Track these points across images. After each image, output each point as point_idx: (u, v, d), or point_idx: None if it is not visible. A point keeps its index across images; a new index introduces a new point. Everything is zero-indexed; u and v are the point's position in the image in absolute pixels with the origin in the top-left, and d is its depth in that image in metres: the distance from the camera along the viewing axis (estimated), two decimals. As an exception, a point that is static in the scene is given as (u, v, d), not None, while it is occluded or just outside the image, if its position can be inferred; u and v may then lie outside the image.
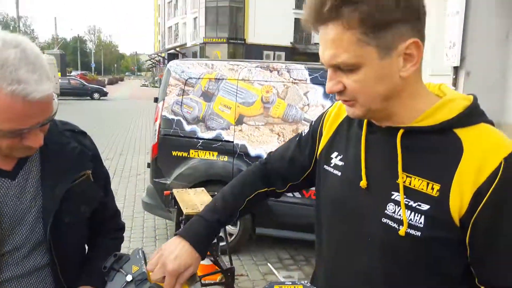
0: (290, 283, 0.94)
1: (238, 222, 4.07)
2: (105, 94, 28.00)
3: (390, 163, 0.86)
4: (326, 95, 3.95)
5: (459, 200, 0.78)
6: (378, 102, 0.84)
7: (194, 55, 41.06)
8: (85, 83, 29.18)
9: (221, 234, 3.38)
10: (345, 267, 0.95)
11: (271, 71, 4.07)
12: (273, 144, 3.98)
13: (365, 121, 0.94)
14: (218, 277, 3.28)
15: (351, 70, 0.80)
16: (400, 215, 0.83)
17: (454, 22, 12.57)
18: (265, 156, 3.72)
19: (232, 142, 4.03)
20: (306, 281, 0.94)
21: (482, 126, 0.84)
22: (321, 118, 1.11)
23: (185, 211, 2.98)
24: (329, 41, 0.80)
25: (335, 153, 1.01)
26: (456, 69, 13.07)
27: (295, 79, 4.01)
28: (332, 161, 1.01)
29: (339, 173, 0.98)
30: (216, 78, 4.12)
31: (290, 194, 3.93)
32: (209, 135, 4.09)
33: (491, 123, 0.86)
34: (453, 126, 0.83)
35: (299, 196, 3.91)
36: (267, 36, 35.95)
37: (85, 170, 1.14)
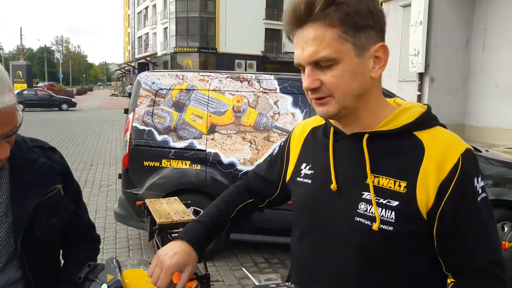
0: (275, 285, 0.94)
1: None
2: (73, 104, 27.39)
3: (358, 166, 0.93)
4: (295, 104, 4.07)
5: (425, 195, 0.87)
6: (351, 99, 0.90)
7: (165, 64, 40.75)
8: (52, 94, 28.45)
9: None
10: (321, 269, 0.99)
11: (241, 81, 4.16)
12: (245, 152, 4.05)
13: (332, 129, 1.01)
14: (193, 284, 3.30)
15: (329, 66, 0.87)
16: (372, 212, 0.89)
17: (418, 31, 13.04)
18: (238, 164, 3.83)
19: (205, 150, 4.08)
20: (289, 283, 0.94)
21: (438, 128, 0.94)
22: (287, 139, 1.20)
23: (158, 220, 3.00)
24: (310, 39, 0.86)
25: (304, 164, 1.08)
26: (421, 75, 13.50)
27: (265, 89, 4.12)
28: (302, 172, 1.07)
29: (310, 181, 1.04)
30: (187, 89, 4.17)
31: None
32: (181, 144, 4.12)
33: (444, 126, 0.96)
34: (413, 129, 0.92)
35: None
36: (238, 45, 36.17)
37: (54, 185, 1.16)
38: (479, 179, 0.89)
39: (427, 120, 0.95)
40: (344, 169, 0.97)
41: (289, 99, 4.08)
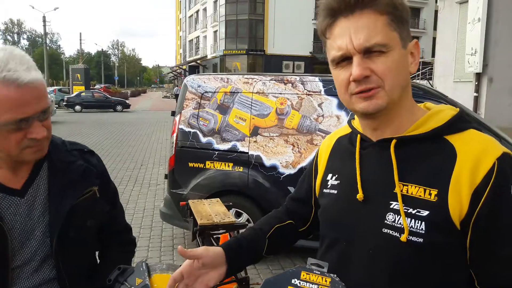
0: (319, 272, 0.90)
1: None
2: (127, 106, 28.62)
3: (386, 174, 0.89)
4: (340, 106, 3.99)
5: (458, 203, 0.81)
6: (398, 92, 0.87)
7: (215, 67, 41.57)
8: (108, 96, 29.89)
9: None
10: (348, 284, 0.93)
11: (285, 84, 4.14)
12: (288, 155, 4.03)
13: (358, 137, 0.98)
14: (233, 287, 3.34)
15: (380, 53, 0.84)
16: (400, 223, 0.85)
17: (475, 29, 12.30)
18: (280, 167, 3.79)
19: (247, 153, 4.10)
20: (335, 275, 0.90)
21: (471, 131, 0.88)
22: (315, 154, 1.17)
23: (199, 221, 3.06)
24: (361, 26, 0.85)
25: (330, 175, 1.04)
26: (478, 76, 12.73)
27: (309, 91, 4.07)
28: (328, 183, 1.04)
29: (336, 191, 1.00)
30: (231, 92, 4.22)
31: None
32: (225, 146, 4.17)
33: (479, 129, 0.90)
34: (444, 133, 0.88)
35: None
36: (286, 46, 36.17)
37: (91, 187, 1.19)
38: None
39: (459, 122, 0.90)
40: (371, 178, 0.93)
41: (334, 101, 4.01)
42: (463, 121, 0.91)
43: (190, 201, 3.54)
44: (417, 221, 0.83)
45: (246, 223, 3.82)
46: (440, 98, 3.78)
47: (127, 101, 30.03)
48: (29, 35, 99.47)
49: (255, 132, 4.12)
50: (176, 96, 46.05)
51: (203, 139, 4.24)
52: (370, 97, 0.87)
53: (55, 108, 19.16)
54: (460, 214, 0.81)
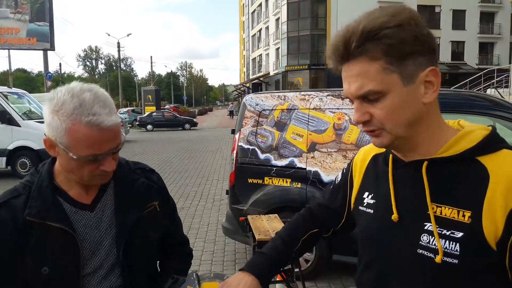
0: None
1: (314, 249, 4.10)
2: (195, 124, 29.89)
3: (419, 195, 0.90)
4: (400, 120, 3.89)
5: (493, 225, 0.81)
6: (404, 129, 0.88)
7: (277, 83, 42.02)
8: (177, 115, 31.45)
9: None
10: None
11: (342, 99, 4.13)
12: (346, 171, 3.98)
13: (390, 157, 0.99)
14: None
15: (377, 98, 0.86)
16: (434, 244, 0.85)
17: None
18: None
19: (305, 169, 4.13)
20: None
21: (505, 152, 0.87)
22: (349, 166, 1.20)
23: (257, 237, 3.13)
24: (355, 75, 0.87)
25: (366, 193, 1.07)
26: None
27: (367, 105, 4.02)
28: (364, 201, 1.06)
29: (372, 211, 1.03)
30: (288, 109, 4.29)
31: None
32: (282, 162, 4.23)
33: None
34: (476, 154, 0.87)
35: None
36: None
37: (152, 201, 1.31)
38: None
39: (492, 143, 0.89)
40: (405, 199, 0.94)
41: (393, 115, 3.91)
42: (495, 141, 0.90)
43: (249, 217, 3.63)
44: (451, 242, 0.84)
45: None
46: (511, 109, 3.55)
47: (194, 120, 31.35)
48: (106, 60, 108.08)
49: (312, 148, 4.14)
50: (231, 112, 47.87)
51: (262, 156, 4.34)
52: (376, 136, 0.91)
53: (128, 128, 20.51)
54: (495, 236, 0.81)
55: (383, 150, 1.08)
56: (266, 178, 4.29)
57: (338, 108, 4.11)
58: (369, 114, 0.88)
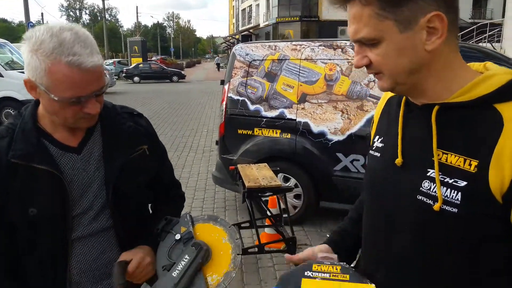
0: (329, 263, 0.97)
1: (302, 196, 4.23)
2: (183, 76, 29.38)
3: (426, 140, 0.85)
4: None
5: (500, 176, 0.76)
6: (403, 76, 0.84)
7: (267, 36, 41.11)
8: (164, 67, 30.79)
9: (283, 206, 3.57)
10: (382, 249, 0.95)
11: (334, 49, 4.09)
12: (337, 121, 4.03)
13: (403, 100, 0.94)
14: (282, 246, 3.50)
15: (373, 44, 0.82)
16: (435, 191, 0.82)
17: None
18: (328, 133, 3.73)
19: (295, 120, 4.16)
20: (344, 263, 0.97)
21: None
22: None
23: (247, 184, 3.21)
24: (351, 18, 0.84)
25: (377, 137, 1.03)
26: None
27: (358, 56, 3.99)
28: (374, 144, 1.03)
29: (379, 154, 0.99)
30: (279, 59, 4.25)
31: (354, 169, 3.99)
32: (272, 113, 4.25)
33: None
34: (493, 100, 0.80)
35: (364, 171, 3.94)
36: (341, 11, 34.71)
37: (140, 145, 1.31)
38: None
39: (510, 89, 0.80)
40: (411, 143, 0.90)
41: (384, 66, 3.91)
42: None
43: (239, 166, 3.70)
44: (453, 190, 0.80)
45: (293, 187, 3.92)
46: (504, 61, 3.57)
47: (182, 72, 30.77)
48: (90, 10, 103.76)
49: (303, 99, 4.15)
50: (217, 65, 47.35)
51: (252, 107, 4.34)
52: (377, 79, 0.88)
53: (114, 79, 20.06)
54: (501, 189, 0.76)
55: None
56: (256, 129, 4.32)
57: (329, 59, 4.08)
58: (368, 59, 0.85)
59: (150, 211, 1.48)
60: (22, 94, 9.58)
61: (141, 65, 29.20)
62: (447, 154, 0.83)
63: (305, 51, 4.17)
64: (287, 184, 4.14)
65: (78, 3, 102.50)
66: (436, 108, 0.85)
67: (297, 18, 37.22)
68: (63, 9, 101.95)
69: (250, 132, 4.35)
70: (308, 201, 4.23)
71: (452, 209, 0.80)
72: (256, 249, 3.32)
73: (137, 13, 55.35)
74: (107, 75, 1.17)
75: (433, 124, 0.85)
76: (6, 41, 11.74)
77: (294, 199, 4.27)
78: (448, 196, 0.80)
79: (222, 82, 4.65)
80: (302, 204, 4.26)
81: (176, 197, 1.53)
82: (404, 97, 0.94)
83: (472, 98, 0.82)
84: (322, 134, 4.08)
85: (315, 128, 4.10)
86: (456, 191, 0.80)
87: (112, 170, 1.23)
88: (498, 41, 16.51)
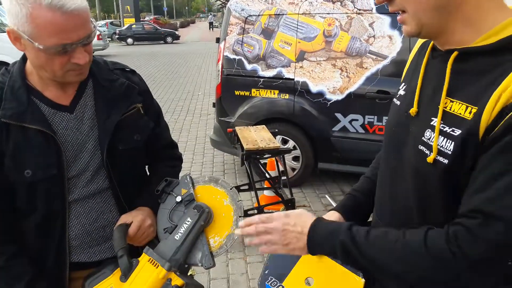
0: None
1: (300, 157, 4.17)
2: (177, 37, 28.68)
3: (439, 88, 0.81)
4: (393, 25, 3.71)
5: (488, 121, 0.71)
6: (429, 14, 0.77)
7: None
8: (158, 27, 29.99)
9: (282, 168, 3.51)
10: (389, 195, 0.95)
11: (333, 3, 3.88)
12: (335, 80, 3.90)
13: (430, 45, 0.89)
14: (281, 207, 3.47)
15: None
16: (433, 141, 0.79)
17: None
18: (326, 93, 3.66)
19: (293, 79, 4.02)
20: None
21: None
22: None
23: (245, 146, 3.13)
24: None
25: (402, 84, 0.98)
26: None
27: (359, 9, 3.80)
28: (398, 92, 0.98)
29: (399, 103, 0.95)
30: (276, 14, 4.04)
31: (353, 130, 3.90)
32: (270, 73, 4.10)
33: None
34: None
35: (363, 131, 3.86)
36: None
37: (134, 104, 1.25)
38: None
39: None
40: (427, 92, 0.85)
41: (386, 20, 3.73)
42: None
43: (236, 128, 3.60)
44: (448, 140, 0.77)
45: (292, 148, 3.85)
46: None
47: (176, 32, 30.00)
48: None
49: (301, 57, 3.98)
50: (210, 23, 46.31)
51: (248, 66, 4.18)
52: (402, 22, 0.81)
53: (107, 41, 19.57)
54: (486, 133, 0.72)
55: None
56: (253, 90, 4.19)
57: (328, 13, 3.88)
58: None
59: (148, 173, 1.44)
60: (13, 58, 9.31)
61: (134, 26, 28.40)
62: (453, 101, 0.78)
63: (303, 5, 3.96)
64: (285, 146, 4.06)
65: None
66: (455, 54, 0.78)
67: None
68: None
69: (247, 93, 4.22)
70: (306, 162, 4.17)
71: (443, 160, 0.77)
72: (256, 211, 3.29)
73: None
74: (94, 22, 1.10)
75: (448, 71, 0.79)
76: (-7, 3, 11.30)
77: (292, 161, 4.21)
78: (444, 146, 0.77)
79: (218, 40, 4.46)
80: (301, 166, 4.20)
81: (173, 158, 1.48)
82: (431, 43, 0.88)
83: (493, 41, 0.74)
84: (320, 94, 3.95)
85: (313, 88, 3.97)
86: (450, 141, 0.76)
87: (106, 129, 1.19)
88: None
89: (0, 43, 9.58)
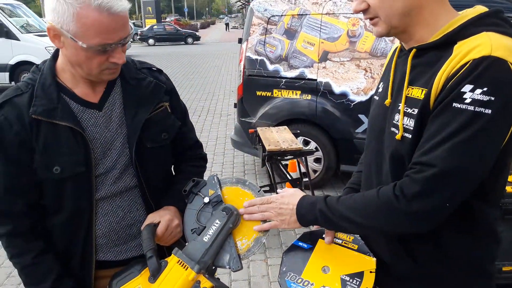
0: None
1: (322, 160, 4.12)
2: (198, 38, 28.89)
3: (403, 80, 0.97)
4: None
5: (436, 96, 0.87)
6: (397, 18, 0.93)
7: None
8: (179, 28, 30.28)
9: (304, 170, 3.47)
10: (375, 175, 1.06)
11: (357, 3, 3.82)
12: (359, 80, 3.84)
13: (398, 47, 1.06)
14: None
15: None
16: (399, 121, 0.95)
17: None
18: (350, 94, 3.75)
19: (316, 80, 3.97)
20: (358, 235, 1.11)
21: (483, 34, 0.85)
22: None
23: (267, 147, 3.11)
24: None
25: (381, 83, 1.13)
26: None
27: (384, 10, 3.73)
28: (378, 90, 1.14)
29: (378, 98, 1.12)
30: (299, 14, 4.01)
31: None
32: (292, 74, 4.07)
33: (507, 33, 0.86)
34: (456, 38, 0.89)
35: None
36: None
37: (162, 102, 1.25)
38: (479, 90, 0.81)
39: (474, 27, 0.88)
40: (396, 84, 1.02)
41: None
42: (480, 24, 0.88)
43: (258, 129, 3.58)
44: (410, 119, 0.92)
45: (314, 150, 3.81)
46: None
47: (197, 33, 30.23)
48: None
49: (324, 57, 3.94)
50: (226, 25, 47.03)
51: (270, 67, 4.16)
52: (373, 25, 0.98)
53: (130, 42, 19.81)
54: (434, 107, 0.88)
55: None
56: (275, 91, 4.16)
57: (353, 13, 3.82)
58: (366, 3, 0.95)
59: (173, 172, 1.45)
60: (39, 58, 9.54)
61: (155, 27, 28.74)
62: (413, 88, 0.94)
63: (327, 5, 3.92)
64: (307, 147, 4.02)
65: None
66: (413, 51, 0.96)
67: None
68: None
69: (269, 93, 4.20)
70: (328, 164, 4.12)
71: (408, 135, 0.92)
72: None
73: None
74: (131, 23, 1.10)
75: (408, 65, 0.97)
76: (20, 3, 11.58)
77: (314, 163, 4.16)
78: (408, 124, 0.93)
79: (240, 41, 4.46)
80: (322, 167, 4.15)
81: (198, 158, 1.48)
82: (399, 46, 1.06)
83: (439, 37, 0.91)
84: (344, 95, 3.90)
85: (336, 89, 3.92)
86: (411, 119, 0.92)
87: (134, 128, 1.20)
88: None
89: (26, 43, 9.88)
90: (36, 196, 1.15)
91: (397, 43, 1.13)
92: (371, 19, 0.97)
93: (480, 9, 0.92)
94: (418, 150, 0.89)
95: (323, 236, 1.12)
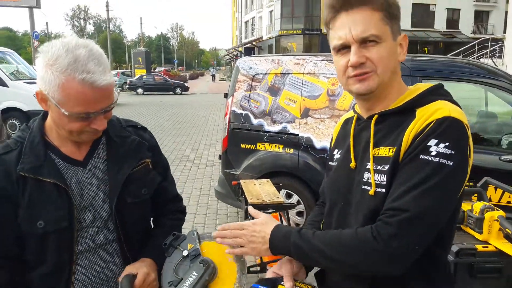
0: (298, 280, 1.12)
1: (304, 213, 4.18)
2: (186, 89, 29.47)
3: (367, 143, 1.08)
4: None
5: (405, 150, 0.99)
6: (388, 75, 1.04)
7: (270, 48, 41.36)
8: (168, 79, 30.91)
9: (286, 223, 3.52)
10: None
11: (337, 64, 4.08)
12: (339, 137, 4.00)
13: (355, 117, 1.18)
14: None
15: (375, 43, 1.02)
16: (370, 178, 1.03)
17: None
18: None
19: (297, 134, 4.13)
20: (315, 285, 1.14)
21: (438, 102, 1.02)
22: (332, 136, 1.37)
23: (250, 200, 3.17)
24: (358, 20, 1.02)
25: (336, 150, 1.24)
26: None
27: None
28: (334, 157, 1.23)
29: (336, 163, 1.20)
30: (282, 73, 4.25)
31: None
32: (275, 128, 4.23)
33: (455, 102, 1.04)
34: (414, 105, 1.04)
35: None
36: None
37: (144, 159, 1.33)
38: (442, 144, 0.95)
39: (430, 96, 1.05)
40: (359, 148, 1.12)
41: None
42: (433, 94, 1.06)
43: (241, 181, 3.66)
44: (382, 175, 1.02)
45: (296, 204, 3.89)
46: (504, 78, 3.55)
47: (186, 84, 30.87)
48: (94, 20, 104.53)
49: (305, 113, 4.13)
50: (213, 76, 48.86)
51: (254, 121, 4.32)
52: (363, 79, 1.04)
53: (118, 91, 20.15)
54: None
55: (352, 114, 1.23)
56: (258, 144, 4.30)
57: (332, 74, 4.07)
58: (365, 57, 1.02)
59: (152, 225, 1.49)
60: (27, 105, 9.61)
61: (144, 77, 29.31)
62: (379, 149, 1.05)
63: (308, 65, 4.17)
64: (289, 200, 4.10)
65: (82, 13, 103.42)
66: (375, 117, 1.09)
67: (300, 31, 37.50)
68: (68, 19, 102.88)
69: (253, 146, 4.33)
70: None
71: (382, 190, 1.01)
72: (258, 268, 3.26)
73: (141, 23, 56.04)
74: (116, 92, 1.20)
75: (372, 130, 1.08)
76: (11, 51, 11.81)
77: (296, 216, 4.22)
78: (379, 180, 1.02)
79: (226, 96, 4.65)
80: (305, 221, 4.20)
81: (177, 211, 1.53)
82: (355, 115, 1.18)
83: (399, 104, 1.06)
84: (324, 150, 4.05)
85: (317, 144, 4.08)
86: (383, 175, 1.01)
87: (116, 184, 1.25)
88: (500, 57, 16.54)
89: (15, 90, 9.97)
90: (17, 250, 1.17)
91: (345, 115, 1.31)
92: (365, 73, 1.03)
93: (422, 85, 1.09)
94: (389, 197, 0.98)
95: (282, 283, 1.14)
